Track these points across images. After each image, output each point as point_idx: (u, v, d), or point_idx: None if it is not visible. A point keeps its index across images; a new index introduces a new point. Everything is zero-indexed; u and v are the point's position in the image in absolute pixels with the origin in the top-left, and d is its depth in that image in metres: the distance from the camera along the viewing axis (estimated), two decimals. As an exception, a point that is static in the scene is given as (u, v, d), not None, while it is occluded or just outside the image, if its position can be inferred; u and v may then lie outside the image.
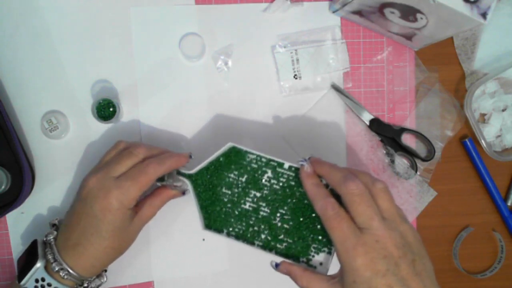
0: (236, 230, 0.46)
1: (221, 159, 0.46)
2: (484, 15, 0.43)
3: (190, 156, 0.48)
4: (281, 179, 0.46)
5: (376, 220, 0.38)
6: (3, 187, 0.50)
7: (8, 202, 0.51)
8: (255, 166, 0.46)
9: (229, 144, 0.46)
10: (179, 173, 0.47)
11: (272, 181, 0.46)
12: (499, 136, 0.60)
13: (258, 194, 0.46)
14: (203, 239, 0.56)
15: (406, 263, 0.37)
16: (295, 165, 0.45)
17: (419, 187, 0.58)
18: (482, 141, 0.57)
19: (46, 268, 0.44)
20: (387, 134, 0.57)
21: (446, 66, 0.59)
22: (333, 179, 0.41)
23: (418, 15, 0.47)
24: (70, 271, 0.43)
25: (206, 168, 0.46)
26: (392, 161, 0.57)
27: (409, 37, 0.54)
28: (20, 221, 0.54)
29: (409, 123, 0.58)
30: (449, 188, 0.60)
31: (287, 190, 0.45)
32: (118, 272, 0.54)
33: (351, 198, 0.39)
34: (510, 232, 0.61)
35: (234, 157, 0.46)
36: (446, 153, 0.59)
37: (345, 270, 0.38)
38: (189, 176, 0.47)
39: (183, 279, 0.56)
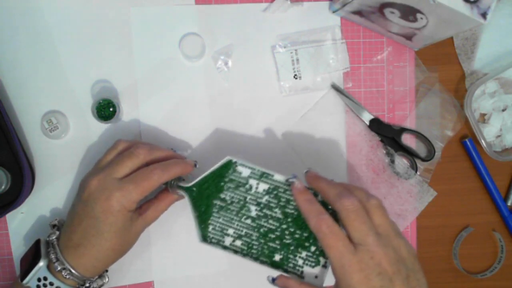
0: (233, 243, 0.46)
1: (219, 172, 0.46)
2: (484, 15, 0.43)
3: (195, 165, 0.48)
4: (278, 193, 0.46)
5: (371, 236, 0.39)
6: (3, 187, 0.50)
7: (8, 202, 0.51)
8: (252, 179, 0.46)
9: (227, 158, 0.46)
10: (177, 186, 0.47)
11: (269, 194, 0.46)
12: (499, 136, 0.60)
13: (255, 208, 0.46)
14: (203, 239, 0.56)
15: (400, 279, 0.38)
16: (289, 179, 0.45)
17: (419, 187, 0.58)
18: (482, 141, 0.57)
19: (49, 267, 0.44)
20: (387, 134, 0.57)
21: (446, 66, 0.59)
22: (328, 196, 0.41)
23: (418, 15, 0.47)
24: (72, 271, 0.44)
25: (204, 181, 0.46)
26: (392, 161, 0.57)
27: (409, 37, 0.54)
28: (20, 221, 0.54)
29: (409, 123, 0.58)
30: (449, 188, 0.60)
31: (284, 204, 0.46)
32: (118, 272, 0.54)
33: (346, 215, 0.39)
34: (510, 232, 0.61)
35: (231, 170, 0.46)
36: (446, 153, 0.59)
37: (341, 286, 0.39)
38: (186, 189, 0.47)
39: (183, 279, 0.56)
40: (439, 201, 0.59)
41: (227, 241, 0.46)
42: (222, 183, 0.46)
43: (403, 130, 0.57)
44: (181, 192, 0.47)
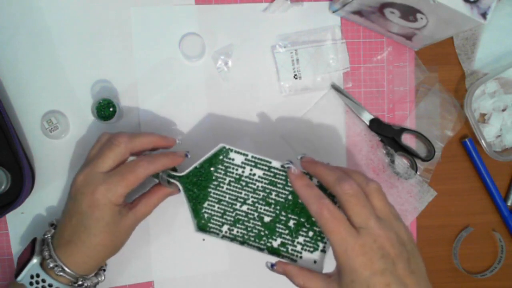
0: (230, 231, 0.46)
1: (212, 160, 0.46)
2: (484, 15, 0.43)
3: (186, 155, 0.47)
4: (273, 178, 0.46)
5: (372, 220, 0.38)
6: (3, 187, 0.50)
7: (8, 202, 0.51)
8: (247, 165, 0.46)
9: (220, 145, 0.46)
10: (169, 175, 0.47)
11: (264, 181, 0.46)
12: (499, 136, 0.60)
13: (250, 195, 0.46)
14: (203, 239, 0.56)
15: (402, 262, 0.38)
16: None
17: (419, 187, 0.58)
18: (482, 141, 0.57)
19: (42, 265, 0.44)
20: (387, 134, 0.57)
21: (446, 66, 0.59)
22: (326, 180, 0.41)
23: (418, 15, 0.47)
24: (64, 268, 0.43)
25: (197, 170, 0.46)
26: (392, 161, 0.57)
27: (409, 37, 0.54)
28: (20, 221, 0.54)
29: (409, 123, 0.58)
30: (449, 188, 0.60)
31: (279, 189, 0.46)
32: (118, 272, 0.54)
33: (347, 199, 0.39)
34: (510, 232, 0.61)
35: (225, 158, 0.46)
36: (446, 153, 0.59)
37: (343, 270, 0.38)
38: (179, 178, 0.46)
39: (183, 279, 0.56)
40: (439, 201, 0.59)
41: (224, 229, 0.46)
42: (216, 171, 0.46)
43: (403, 130, 0.57)
44: (174, 181, 0.46)
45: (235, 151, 0.46)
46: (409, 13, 0.47)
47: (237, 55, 0.56)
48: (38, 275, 0.44)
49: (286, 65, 0.55)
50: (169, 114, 0.55)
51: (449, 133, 0.59)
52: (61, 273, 0.43)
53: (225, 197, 0.46)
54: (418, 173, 0.58)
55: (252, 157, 0.46)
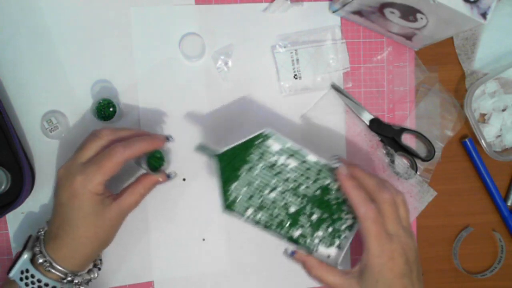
0: (254, 215, 0.46)
1: (250, 143, 0.46)
2: (484, 15, 0.43)
3: (168, 139, 0.46)
4: (306, 172, 0.46)
5: (401, 229, 0.43)
6: (3, 187, 0.50)
7: (8, 202, 0.51)
8: (283, 155, 0.46)
9: (263, 130, 0.46)
10: (203, 149, 0.46)
11: (298, 172, 0.46)
12: (499, 136, 0.60)
13: (280, 183, 0.46)
14: (203, 239, 0.56)
15: (416, 268, 0.43)
16: (322, 161, 0.46)
17: (419, 187, 0.58)
18: (482, 141, 0.57)
19: (33, 261, 0.44)
20: (387, 134, 0.57)
21: (446, 66, 0.59)
22: (368, 185, 0.44)
23: (418, 15, 0.47)
24: (53, 263, 0.43)
25: (234, 150, 0.46)
26: (392, 161, 0.57)
27: (409, 37, 0.54)
28: (20, 221, 0.54)
29: (409, 123, 0.58)
30: (449, 188, 0.60)
31: (310, 183, 0.46)
32: (118, 272, 0.54)
33: (386, 207, 0.42)
34: (510, 232, 0.61)
35: (263, 143, 0.46)
36: (446, 153, 0.59)
37: (370, 270, 0.42)
38: (215, 155, 0.46)
39: (183, 279, 0.56)
40: (439, 201, 0.59)
41: (248, 212, 0.46)
42: (251, 154, 0.46)
43: (403, 130, 0.57)
44: (210, 157, 0.46)
45: (276, 138, 0.46)
46: (409, 13, 0.47)
47: (237, 55, 0.56)
48: (27, 271, 0.44)
49: (286, 65, 0.55)
50: (169, 114, 0.55)
51: (449, 133, 0.59)
52: (49, 268, 0.43)
53: (255, 181, 0.46)
54: (418, 173, 0.58)
55: (292, 146, 0.46)
